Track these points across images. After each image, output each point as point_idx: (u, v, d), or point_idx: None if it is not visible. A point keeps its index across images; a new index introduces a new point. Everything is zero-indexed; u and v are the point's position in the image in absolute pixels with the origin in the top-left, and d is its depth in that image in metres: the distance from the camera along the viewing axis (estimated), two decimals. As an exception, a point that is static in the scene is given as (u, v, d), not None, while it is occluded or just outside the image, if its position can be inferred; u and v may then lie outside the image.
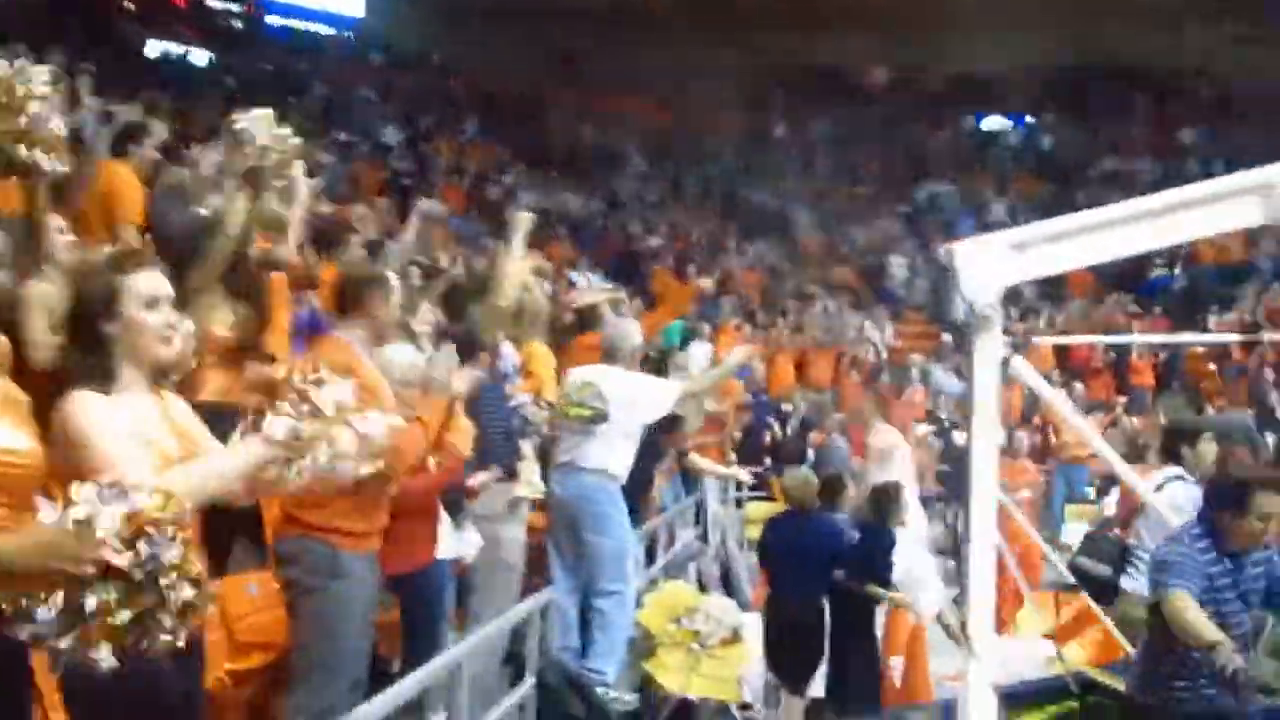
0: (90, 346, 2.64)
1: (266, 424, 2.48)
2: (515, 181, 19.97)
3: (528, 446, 5.83)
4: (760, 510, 11.03)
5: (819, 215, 21.41)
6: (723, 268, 18.69)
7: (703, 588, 8.68)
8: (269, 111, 4.91)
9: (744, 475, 10.59)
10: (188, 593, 2.15)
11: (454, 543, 5.02)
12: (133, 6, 22.30)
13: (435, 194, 17.48)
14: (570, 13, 23.48)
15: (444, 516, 4.97)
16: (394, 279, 4.24)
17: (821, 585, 7.38)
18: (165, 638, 2.14)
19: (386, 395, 3.97)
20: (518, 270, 6.61)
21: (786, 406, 13.18)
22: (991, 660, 4.52)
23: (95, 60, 17.99)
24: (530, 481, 5.64)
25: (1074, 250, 4.75)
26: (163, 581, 2.10)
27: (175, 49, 21.56)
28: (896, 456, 10.46)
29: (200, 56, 21.55)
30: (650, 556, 8.65)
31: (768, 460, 12.33)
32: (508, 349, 6.76)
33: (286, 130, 4.92)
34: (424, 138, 20.89)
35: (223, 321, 4.84)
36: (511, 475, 5.78)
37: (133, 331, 2.67)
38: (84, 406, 2.55)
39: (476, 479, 5.24)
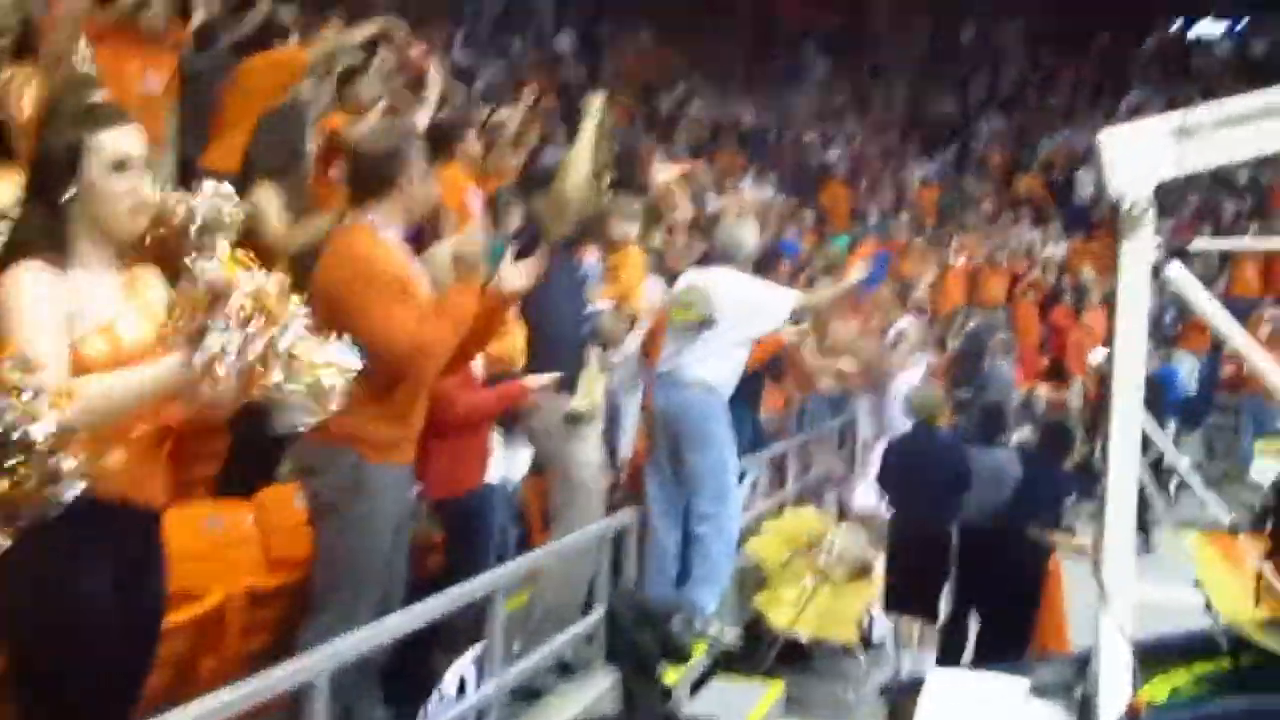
0: (43, 212, 2.40)
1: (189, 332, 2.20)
2: (687, 93, 19.47)
3: (594, 357, 5.19)
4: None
5: (1006, 127, 20.25)
6: (898, 181, 17.88)
7: (844, 519, 8.25)
8: None
9: None
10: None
11: (503, 463, 4.57)
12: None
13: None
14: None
15: (498, 436, 4.58)
16: (415, 150, 3.61)
17: (945, 508, 6.83)
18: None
19: (420, 289, 3.57)
20: (584, 159, 6.18)
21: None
22: (1127, 610, 4.02)
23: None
24: (589, 394, 4.97)
25: (1249, 136, 4.12)
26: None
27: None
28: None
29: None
30: (781, 481, 8.29)
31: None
32: (591, 251, 6.34)
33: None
34: (596, 47, 20.56)
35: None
36: (570, 387, 5.04)
37: (94, 199, 2.41)
38: (18, 281, 2.31)
39: (530, 381, 4.55)
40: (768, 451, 7.91)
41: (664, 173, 8.48)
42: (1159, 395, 9.77)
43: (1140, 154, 4.10)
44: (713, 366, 5.68)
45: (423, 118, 7.10)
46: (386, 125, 5.17)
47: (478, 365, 4.29)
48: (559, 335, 4.96)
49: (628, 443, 6.09)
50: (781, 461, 8.31)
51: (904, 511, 7.07)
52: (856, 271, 6.67)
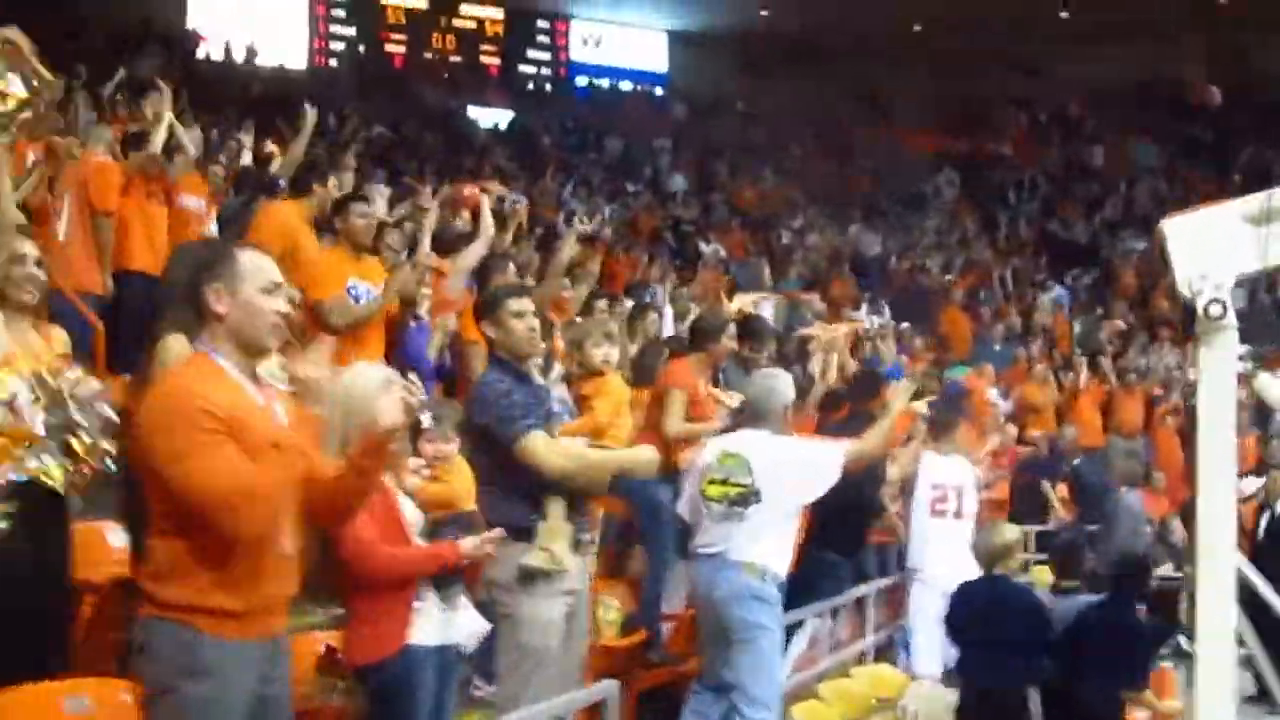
0: None
1: None
2: (807, 224, 19.27)
3: (557, 504, 4.20)
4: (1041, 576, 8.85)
5: (1141, 246, 19.43)
6: (1024, 305, 17.19)
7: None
8: None
9: None
10: None
11: (440, 626, 3.67)
12: (448, 75, 23.38)
13: (716, 238, 17.14)
14: (874, 51, 22.77)
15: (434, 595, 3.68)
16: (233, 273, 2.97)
17: (1024, 669, 5.88)
18: None
19: (259, 427, 2.90)
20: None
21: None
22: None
23: (398, 124, 19.06)
24: (547, 550, 4.12)
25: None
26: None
27: (484, 113, 22.34)
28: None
29: (503, 116, 22.21)
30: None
31: (1049, 520, 10.89)
32: (556, 379, 5.84)
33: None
34: (713, 184, 20.59)
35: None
36: (523, 535, 4.13)
37: None
38: None
39: (465, 544, 3.65)
40: (839, 599, 7.05)
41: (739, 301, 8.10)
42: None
43: (1215, 244, 3.59)
44: (766, 546, 4.92)
45: (475, 251, 7.00)
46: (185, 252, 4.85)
47: (410, 510, 3.72)
48: (513, 477, 4.17)
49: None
50: (860, 606, 7.46)
51: (974, 672, 6.08)
52: (898, 400, 5.83)
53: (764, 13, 22.39)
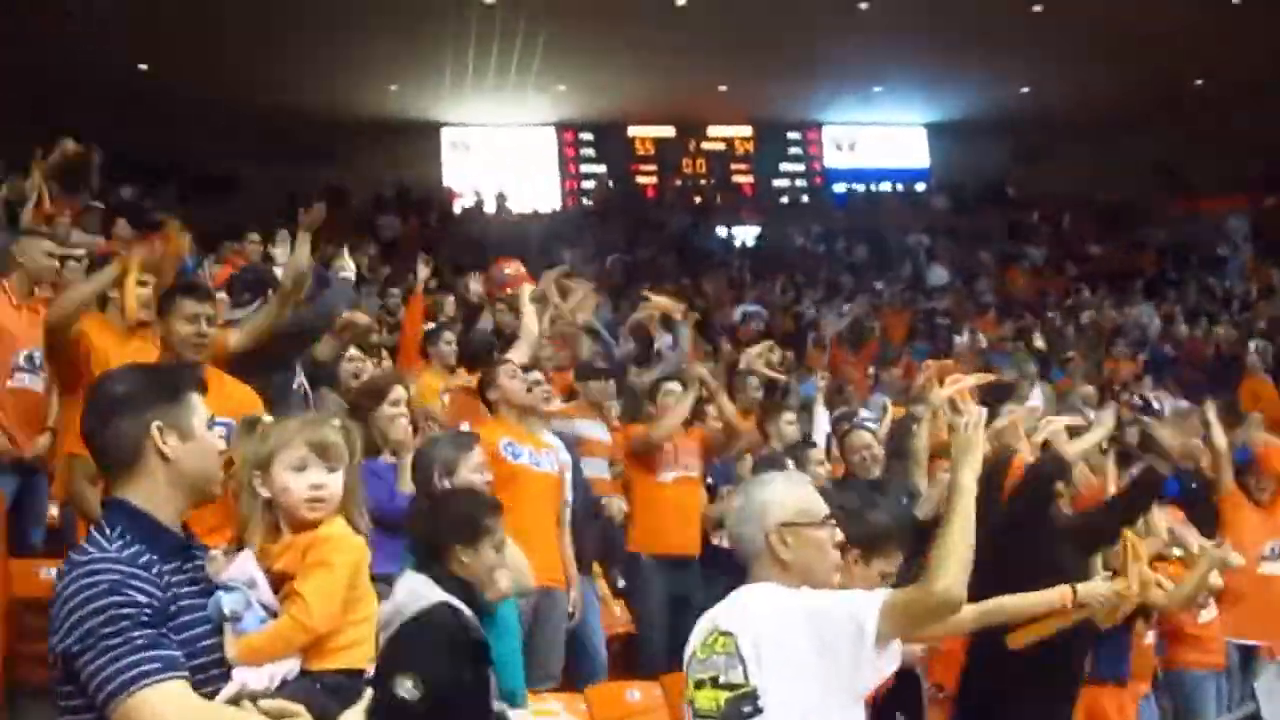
0: None
1: None
2: (1078, 304, 17.66)
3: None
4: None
5: None
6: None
7: None
8: None
9: None
10: None
11: None
12: (700, 199, 23.32)
13: (972, 327, 15.90)
14: (1162, 121, 20.87)
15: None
16: None
17: None
18: None
19: None
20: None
21: None
22: None
23: (640, 250, 19.00)
24: None
25: None
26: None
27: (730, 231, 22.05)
28: None
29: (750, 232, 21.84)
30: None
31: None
32: None
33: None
34: (975, 273, 19.33)
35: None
36: None
37: None
38: None
39: None
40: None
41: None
42: None
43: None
44: None
45: (529, 334, 6.43)
46: None
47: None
48: None
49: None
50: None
51: None
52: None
53: (1024, 89, 21.04)
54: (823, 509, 3.12)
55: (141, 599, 2.23)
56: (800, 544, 3.05)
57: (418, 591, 3.31)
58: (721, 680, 2.98)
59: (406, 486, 4.48)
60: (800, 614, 2.92)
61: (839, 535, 3.15)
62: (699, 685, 3.05)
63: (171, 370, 2.50)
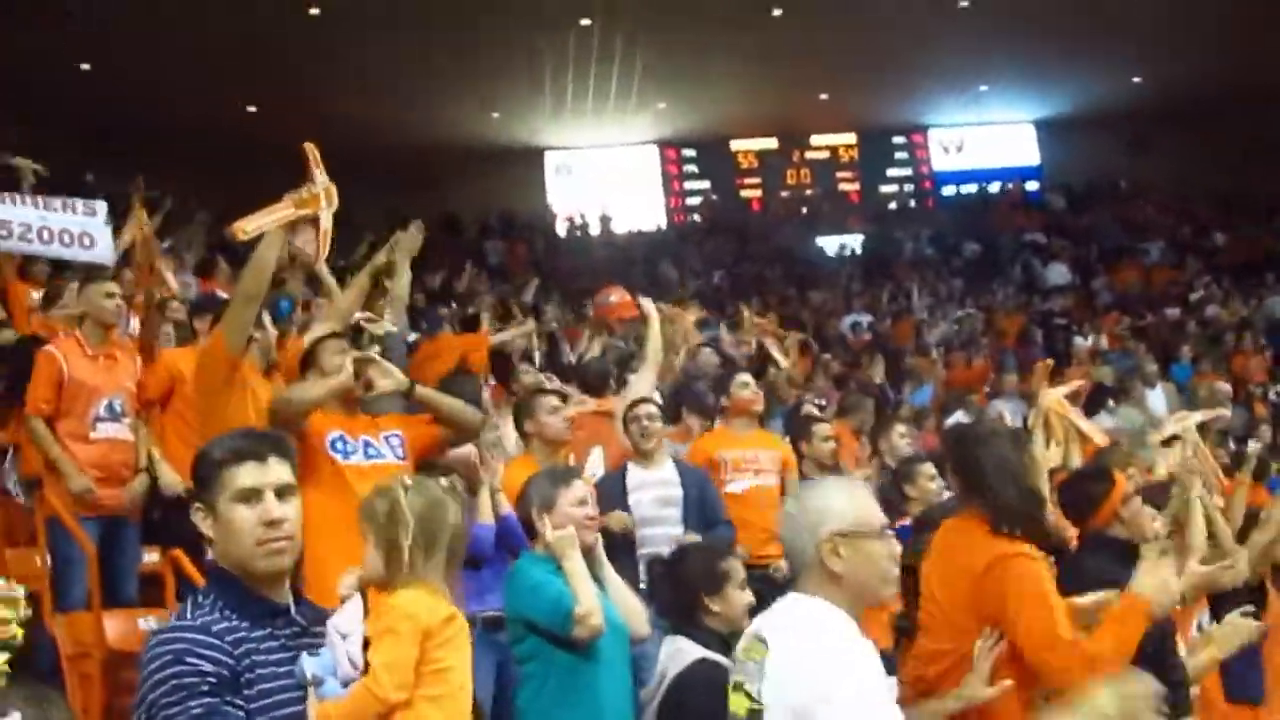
0: None
1: None
2: (1206, 296, 17.02)
3: None
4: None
5: None
6: None
7: None
8: None
9: None
10: None
11: None
12: (806, 209, 23.11)
13: (1094, 326, 15.47)
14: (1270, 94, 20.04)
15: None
16: None
17: None
18: None
19: None
20: None
21: None
22: None
23: (746, 264, 18.91)
24: None
25: None
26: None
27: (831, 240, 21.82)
28: None
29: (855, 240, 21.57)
30: None
31: None
32: None
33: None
34: (1092, 271, 18.78)
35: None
36: None
37: None
38: None
39: None
40: None
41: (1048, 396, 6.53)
42: None
43: None
44: None
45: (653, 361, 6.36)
46: None
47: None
48: None
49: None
50: None
51: None
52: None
53: (1136, 80, 20.38)
54: (881, 520, 2.92)
55: (207, 667, 2.30)
56: (854, 555, 2.83)
57: (681, 652, 3.61)
58: (747, 688, 2.84)
59: (486, 517, 4.49)
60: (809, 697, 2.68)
61: (896, 548, 2.99)
62: (735, 687, 2.90)
63: (206, 449, 2.52)
